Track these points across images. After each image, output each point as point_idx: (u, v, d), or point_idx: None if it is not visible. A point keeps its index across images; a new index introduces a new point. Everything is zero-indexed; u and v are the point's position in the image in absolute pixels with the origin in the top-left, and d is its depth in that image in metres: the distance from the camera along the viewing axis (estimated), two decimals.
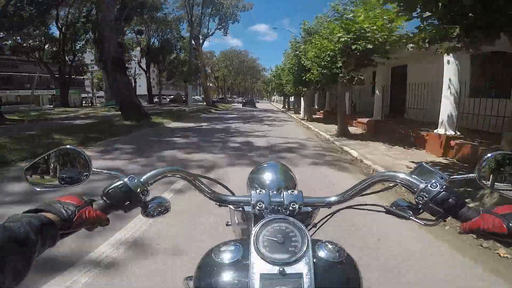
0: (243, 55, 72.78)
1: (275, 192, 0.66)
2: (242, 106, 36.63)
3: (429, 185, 0.55)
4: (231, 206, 0.71)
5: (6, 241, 0.38)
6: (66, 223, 0.50)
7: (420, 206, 0.57)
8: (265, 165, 0.95)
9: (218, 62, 73.70)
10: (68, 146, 0.64)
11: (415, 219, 0.58)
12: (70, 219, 0.50)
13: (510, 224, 0.47)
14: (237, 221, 0.85)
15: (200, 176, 0.70)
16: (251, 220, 0.68)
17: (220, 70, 68.76)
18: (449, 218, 0.56)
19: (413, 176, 0.59)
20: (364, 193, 0.66)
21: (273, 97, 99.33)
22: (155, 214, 0.61)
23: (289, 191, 0.65)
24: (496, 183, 0.59)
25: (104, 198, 0.56)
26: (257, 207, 0.62)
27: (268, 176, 0.87)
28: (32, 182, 0.60)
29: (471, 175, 0.58)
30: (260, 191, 0.65)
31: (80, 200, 0.54)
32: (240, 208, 0.69)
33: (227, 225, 0.95)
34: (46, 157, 0.61)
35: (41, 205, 0.51)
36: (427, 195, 0.55)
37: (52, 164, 0.62)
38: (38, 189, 0.59)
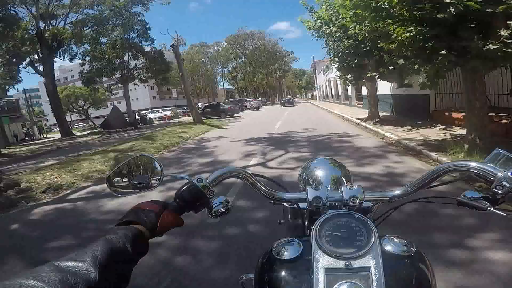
0: (259, 38, 49.77)
1: (331, 187, 0.64)
2: (281, 106, 32.35)
3: (509, 173, 0.50)
4: (285, 204, 0.72)
5: (110, 254, 0.42)
6: (152, 231, 0.53)
7: (499, 196, 0.51)
8: (316, 161, 0.89)
9: (226, 53, 52.02)
10: (142, 153, 0.68)
11: (495, 210, 0.53)
12: (154, 228, 0.53)
13: None
14: (290, 219, 0.83)
15: (258, 176, 0.70)
16: (307, 217, 0.69)
17: (238, 67, 47.74)
18: None
19: (488, 164, 0.55)
20: (431, 185, 0.61)
21: (311, 94, 74.65)
22: (219, 214, 0.61)
23: (348, 186, 0.62)
24: None
25: (178, 200, 0.58)
26: (314, 204, 0.60)
27: (321, 172, 0.82)
28: (113, 189, 0.64)
29: None
30: (316, 187, 0.63)
31: (157, 205, 0.56)
32: (295, 205, 0.69)
33: (279, 223, 0.93)
34: (124, 165, 0.65)
35: (128, 213, 0.54)
36: (508, 184, 0.50)
37: (129, 171, 0.65)
38: (118, 195, 0.65)
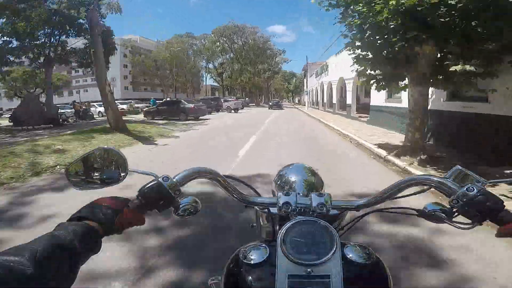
0: (250, 32, 44.97)
1: (301, 194, 0.65)
2: (269, 108, 32.49)
3: (465, 189, 0.53)
4: (257, 208, 0.72)
5: (54, 249, 0.40)
6: (107, 229, 0.51)
7: (455, 209, 0.55)
8: (291, 167, 0.90)
9: (211, 46, 46.81)
10: (106, 146, 0.64)
11: (450, 223, 0.57)
12: (110, 225, 0.51)
13: None
14: (262, 223, 0.83)
15: (229, 178, 0.69)
16: (277, 222, 0.70)
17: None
18: (486, 221, 0.53)
19: (448, 179, 0.58)
20: (395, 196, 0.64)
21: (298, 99, 70.35)
22: (186, 214, 0.61)
23: (317, 193, 0.63)
24: None
25: (140, 198, 0.56)
26: (284, 209, 0.61)
27: (294, 178, 0.84)
28: (73, 182, 0.60)
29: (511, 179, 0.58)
30: (286, 193, 0.64)
31: (117, 201, 0.54)
32: (266, 210, 0.69)
33: (252, 226, 0.91)
34: (85, 157, 0.62)
35: (83, 209, 0.51)
36: (463, 199, 0.53)
37: (91, 164, 0.62)
38: (78, 189, 0.60)
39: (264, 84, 58.56)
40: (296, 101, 66.95)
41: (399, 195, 0.64)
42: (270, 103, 36.32)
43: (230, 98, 30.94)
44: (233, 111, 25.06)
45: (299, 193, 0.64)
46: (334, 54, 20.74)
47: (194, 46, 51.02)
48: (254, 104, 48.30)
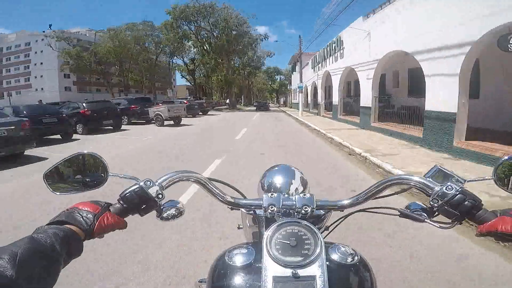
0: (221, 12, 33.75)
1: (286, 195, 0.65)
2: (256, 110, 30.64)
3: (444, 188, 0.54)
4: (242, 210, 0.71)
5: (34, 252, 0.41)
6: (88, 233, 0.51)
7: (435, 209, 0.56)
8: (277, 168, 0.89)
9: (168, 33, 35.11)
10: (85, 151, 0.63)
11: (430, 222, 0.57)
12: (91, 229, 0.51)
13: None
14: (248, 224, 0.83)
15: (213, 180, 0.69)
16: (263, 223, 0.69)
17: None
18: (464, 220, 0.54)
19: (428, 179, 0.59)
20: (377, 196, 0.65)
21: (283, 99, 58.82)
22: (170, 217, 0.61)
23: (301, 194, 0.64)
24: None
25: (121, 202, 0.56)
26: (269, 211, 0.61)
27: (279, 179, 0.83)
28: (52, 187, 0.60)
29: (488, 177, 0.57)
30: (271, 194, 0.64)
31: (98, 206, 0.55)
32: (252, 212, 0.69)
33: (238, 228, 0.93)
34: (64, 162, 0.61)
35: (62, 213, 0.52)
36: (442, 198, 0.54)
37: (70, 169, 0.62)
38: (58, 194, 0.60)
39: (244, 82, 47.72)
40: (282, 103, 56.65)
41: (382, 194, 0.64)
42: (256, 104, 34.89)
43: (177, 100, 19.63)
44: (170, 122, 13.92)
45: (284, 194, 0.64)
46: (362, 17, 10.28)
47: (155, 38, 39.23)
48: (226, 107, 36.96)
